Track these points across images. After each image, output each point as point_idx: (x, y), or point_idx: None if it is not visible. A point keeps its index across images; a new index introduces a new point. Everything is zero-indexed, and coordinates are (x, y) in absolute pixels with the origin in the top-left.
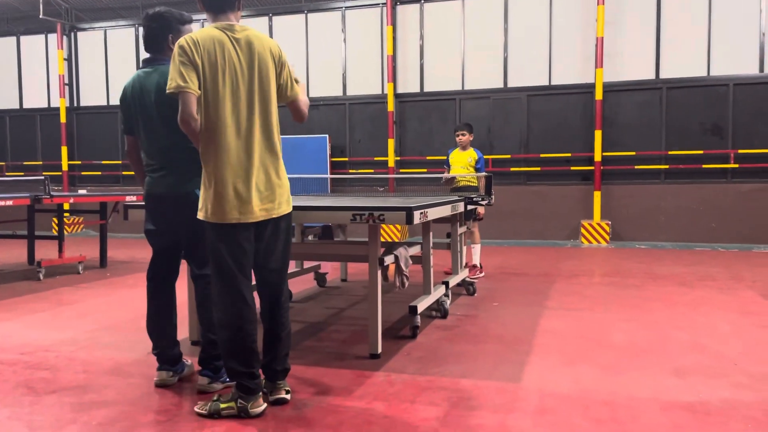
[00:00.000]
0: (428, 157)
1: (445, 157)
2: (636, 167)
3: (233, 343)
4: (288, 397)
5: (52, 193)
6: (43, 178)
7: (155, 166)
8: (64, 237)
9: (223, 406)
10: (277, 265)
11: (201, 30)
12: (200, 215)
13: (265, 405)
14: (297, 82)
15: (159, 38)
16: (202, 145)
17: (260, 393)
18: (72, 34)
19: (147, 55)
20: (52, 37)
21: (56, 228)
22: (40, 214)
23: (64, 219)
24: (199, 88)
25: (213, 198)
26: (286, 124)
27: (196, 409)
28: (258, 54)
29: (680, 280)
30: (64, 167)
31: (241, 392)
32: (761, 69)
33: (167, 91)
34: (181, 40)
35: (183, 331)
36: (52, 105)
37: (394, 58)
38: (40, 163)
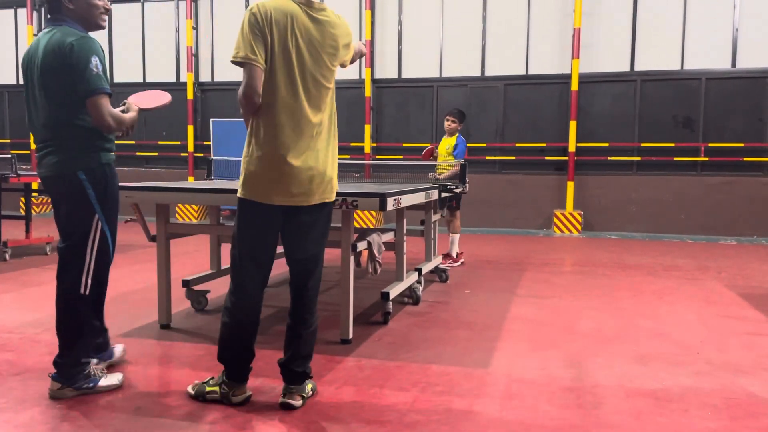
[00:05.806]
0: (405, 144)
1: (423, 144)
2: (609, 158)
3: (229, 330)
4: (298, 404)
5: (19, 171)
6: (10, 156)
7: (39, 145)
8: (32, 217)
9: (209, 389)
10: (306, 256)
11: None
12: (239, 193)
13: (249, 394)
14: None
15: None
16: (256, 120)
17: (246, 382)
18: (42, 9)
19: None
20: (22, 12)
21: (23, 208)
22: (7, 193)
23: (32, 199)
24: (265, 62)
25: (256, 176)
26: None
27: (188, 388)
28: (330, 37)
29: (648, 269)
30: (33, 146)
31: (227, 378)
32: (733, 64)
33: (231, 59)
34: (254, 7)
35: (152, 314)
36: (21, 82)
37: (372, 42)
38: (8, 141)
